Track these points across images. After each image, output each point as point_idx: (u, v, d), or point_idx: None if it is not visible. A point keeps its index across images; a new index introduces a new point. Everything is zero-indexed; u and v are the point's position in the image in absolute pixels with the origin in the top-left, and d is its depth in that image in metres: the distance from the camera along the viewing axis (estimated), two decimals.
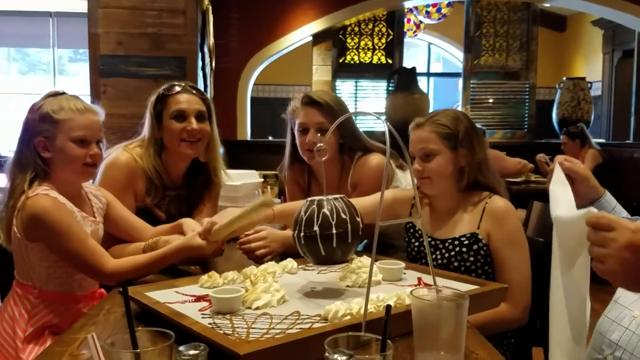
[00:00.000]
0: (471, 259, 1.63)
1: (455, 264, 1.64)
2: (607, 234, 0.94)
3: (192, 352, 0.74)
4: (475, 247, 1.62)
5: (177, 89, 1.88)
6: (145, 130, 1.90)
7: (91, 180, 1.77)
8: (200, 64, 3.67)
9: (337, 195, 1.28)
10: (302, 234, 1.23)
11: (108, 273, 1.51)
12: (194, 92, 1.90)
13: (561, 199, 1.22)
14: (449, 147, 1.64)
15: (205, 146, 1.91)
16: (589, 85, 6.21)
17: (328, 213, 1.22)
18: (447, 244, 1.67)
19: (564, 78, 6.38)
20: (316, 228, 1.21)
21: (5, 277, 1.73)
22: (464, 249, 1.63)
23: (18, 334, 1.51)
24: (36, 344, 1.52)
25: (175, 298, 1.25)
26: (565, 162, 1.37)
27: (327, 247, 1.21)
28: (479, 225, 1.63)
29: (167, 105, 1.86)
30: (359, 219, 1.26)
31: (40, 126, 1.54)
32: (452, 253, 1.65)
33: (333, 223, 1.21)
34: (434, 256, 1.69)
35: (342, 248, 1.23)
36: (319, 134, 1.94)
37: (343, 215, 1.23)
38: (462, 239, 1.64)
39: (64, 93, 1.61)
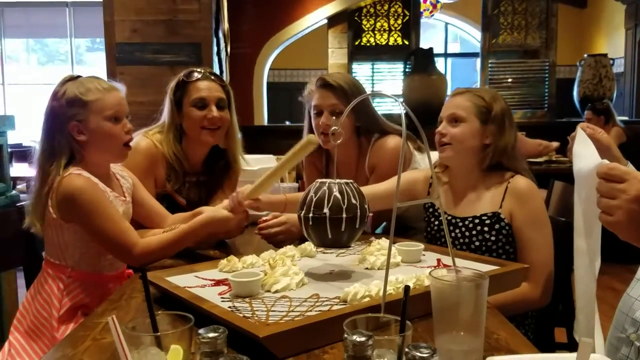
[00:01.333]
0: (492, 238, 1.61)
1: (477, 243, 1.63)
2: (618, 185, 0.93)
3: (211, 334, 0.75)
4: (497, 226, 1.61)
5: (197, 75, 1.88)
6: (165, 117, 1.91)
7: None
8: (215, 49, 3.66)
9: (347, 180, 1.27)
10: (311, 214, 1.22)
11: (136, 254, 1.52)
12: (214, 78, 1.90)
13: (584, 154, 1.20)
14: (479, 119, 1.63)
15: (225, 133, 1.92)
16: (611, 61, 6.08)
17: (339, 196, 1.21)
18: (467, 222, 1.66)
19: (585, 55, 6.25)
20: (326, 210, 1.20)
21: (30, 260, 1.77)
22: (486, 228, 1.62)
23: (53, 314, 1.53)
24: (69, 323, 1.55)
25: (195, 282, 1.26)
26: (587, 128, 1.35)
27: (334, 231, 1.21)
28: (501, 204, 1.61)
29: (188, 92, 1.86)
30: (366, 206, 1.26)
31: (70, 111, 1.53)
32: (474, 232, 1.64)
33: (344, 207, 1.21)
34: (453, 234, 1.68)
35: (349, 232, 1.23)
36: (333, 117, 1.94)
37: (353, 201, 1.22)
38: (483, 217, 1.63)
39: (79, 76, 1.61)
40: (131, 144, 1.83)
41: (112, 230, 1.51)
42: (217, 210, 1.61)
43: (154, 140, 1.86)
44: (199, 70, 1.90)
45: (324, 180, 1.26)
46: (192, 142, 1.90)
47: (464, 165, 1.68)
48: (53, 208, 1.52)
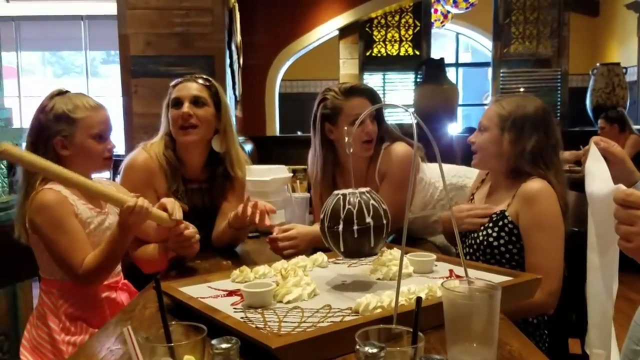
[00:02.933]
0: (494, 234, 1.64)
1: (481, 237, 1.67)
2: (636, 212, 0.92)
3: (224, 345, 0.75)
4: (500, 223, 1.64)
5: (181, 79, 1.90)
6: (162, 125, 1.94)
7: (108, 177, 1.81)
8: (228, 61, 3.70)
9: (364, 189, 1.28)
10: (355, 227, 1.22)
11: (81, 273, 1.52)
12: (200, 81, 1.89)
13: (597, 174, 1.19)
14: (499, 128, 1.67)
15: (204, 133, 1.87)
16: (623, 70, 6.04)
17: (377, 205, 1.24)
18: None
19: (598, 64, 6.21)
20: (369, 220, 1.22)
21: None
22: (490, 224, 1.65)
23: (53, 328, 1.54)
24: (74, 334, 1.56)
25: (207, 293, 1.27)
26: (601, 142, 1.34)
27: (376, 238, 1.24)
28: (509, 204, 1.64)
29: (169, 96, 1.89)
30: None
31: (57, 126, 1.56)
32: (481, 229, 1.67)
33: (382, 214, 1.25)
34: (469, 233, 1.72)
35: (384, 239, 1.27)
36: (375, 122, 1.95)
37: (384, 206, 1.27)
38: (492, 216, 1.67)
39: (67, 91, 1.64)
40: (128, 159, 1.86)
41: (65, 247, 1.51)
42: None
43: (150, 153, 1.86)
44: (190, 76, 1.92)
45: (344, 191, 1.27)
46: (181, 146, 1.89)
47: (491, 170, 1.78)
48: (28, 221, 1.54)
